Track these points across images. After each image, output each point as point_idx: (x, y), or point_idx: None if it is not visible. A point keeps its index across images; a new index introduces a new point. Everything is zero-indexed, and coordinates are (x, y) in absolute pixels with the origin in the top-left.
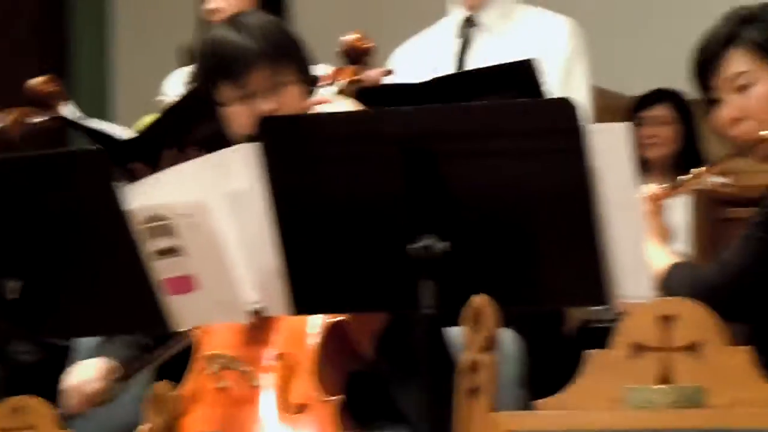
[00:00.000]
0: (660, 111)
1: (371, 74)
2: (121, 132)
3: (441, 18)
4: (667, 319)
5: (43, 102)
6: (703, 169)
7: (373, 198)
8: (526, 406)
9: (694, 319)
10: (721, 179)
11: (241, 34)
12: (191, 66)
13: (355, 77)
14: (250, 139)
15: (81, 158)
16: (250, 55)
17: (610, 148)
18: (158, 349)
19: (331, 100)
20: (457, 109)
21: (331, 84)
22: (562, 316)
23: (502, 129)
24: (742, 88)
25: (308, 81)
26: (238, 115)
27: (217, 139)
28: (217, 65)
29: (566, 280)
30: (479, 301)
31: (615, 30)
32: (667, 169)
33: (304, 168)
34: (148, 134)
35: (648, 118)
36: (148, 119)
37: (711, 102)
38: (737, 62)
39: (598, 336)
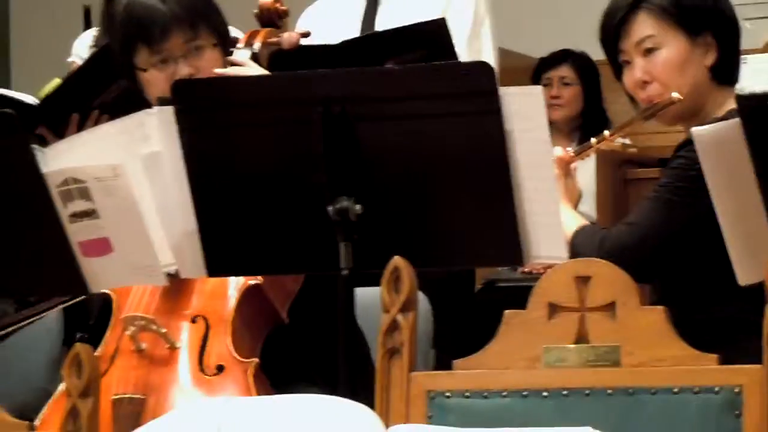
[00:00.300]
0: (564, 72)
1: (290, 37)
2: (27, 98)
3: None
4: (582, 280)
5: None
6: (607, 133)
7: (290, 161)
8: (438, 366)
9: (610, 279)
10: (622, 140)
11: None
12: (97, 27)
13: (272, 39)
14: (165, 102)
15: None
16: (167, 20)
17: (525, 111)
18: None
19: (245, 63)
20: (375, 72)
21: (246, 47)
22: (468, 275)
23: (419, 92)
24: (649, 52)
25: (225, 45)
26: (156, 79)
27: (121, 103)
28: (134, 30)
29: (481, 241)
30: (398, 262)
31: None
32: (571, 130)
33: (219, 131)
34: (54, 99)
35: (552, 79)
36: (53, 83)
37: (619, 65)
38: (643, 26)
39: (504, 294)
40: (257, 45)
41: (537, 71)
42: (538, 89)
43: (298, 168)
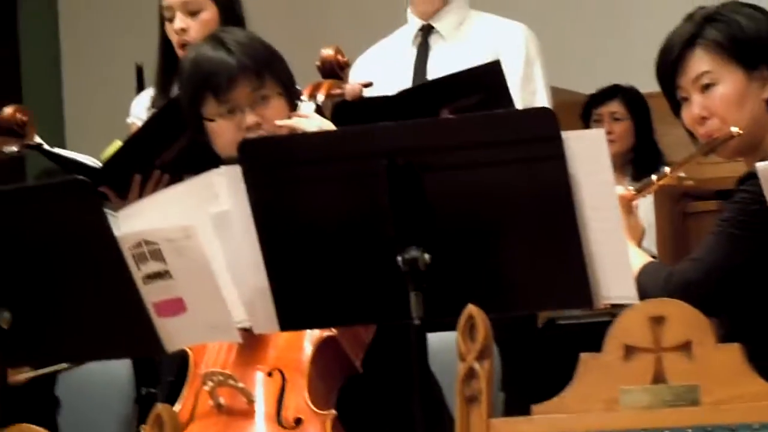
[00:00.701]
0: (614, 107)
1: (353, 89)
2: (89, 160)
3: (399, 27)
4: (656, 320)
5: (14, 131)
6: (668, 170)
7: (358, 213)
8: (508, 409)
9: (684, 318)
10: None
11: (223, 49)
12: (154, 87)
13: (335, 91)
14: (232, 161)
15: (70, 188)
16: (234, 70)
17: (588, 154)
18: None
19: (310, 115)
20: (438, 123)
21: (310, 99)
22: (530, 314)
23: (482, 140)
24: (706, 88)
25: (291, 95)
26: (223, 129)
27: (181, 163)
28: (202, 80)
29: (550, 284)
30: (472, 310)
31: (566, 29)
32: (623, 165)
33: (287, 187)
34: (117, 161)
35: (602, 115)
36: (114, 145)
37: (677, 100)
38: (700, 62)
39: (566, 332)
40: (321, 97)
41: (587, 107)
42: (600, 132)
43: (366, 220)
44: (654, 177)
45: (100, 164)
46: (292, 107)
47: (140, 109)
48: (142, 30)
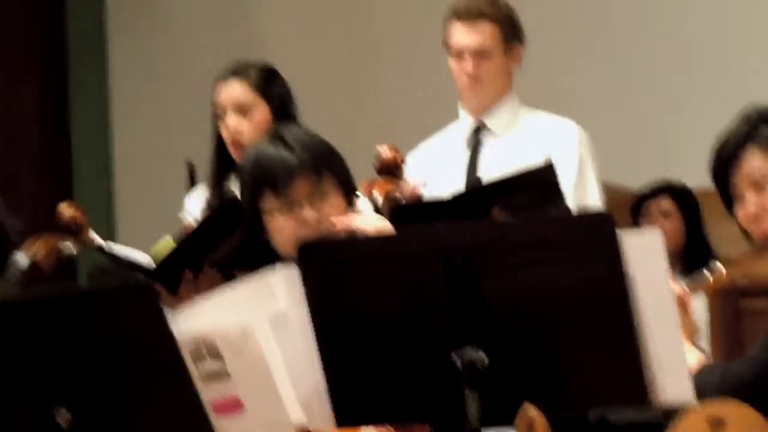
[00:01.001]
0: (664, 204)
1: (411, 190)
2: (143, 257)
3: (451, 122)
4: (717, 422)
5: (71, 230)
6: (722, 269)
7: (414, 312)
8: None
9: (744, 420)
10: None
11: (283, 146)
12: (207, 184)
13: (392, 191)
14: (290, 257)
15: (131, 290)
16: (293, 166)
17: (645, 254)
18: None
19: (366, 213)
20: (495, 224)
21: (366, 197)
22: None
23: (539, 241)
24: (761, 186)
25: (348, 192)
26: (282, 224)
27: (233, 260)
28: (262, 176)
29: (607, 384)
30: (531, 411)
31: (616, 125)
32: (674, 262)
33: (344, 287)
34: (170, 260)
35: (652, 212)
36: (166, 243)
37: (730, 197)
38: (754, 160)
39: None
40: (377, 195)
41: (637, 204)
42: (656, 231)
43: (422, 318)
44: (708, 274)
45: (153, 261)
46: (350, 204)
47: (194, 205)
48: (192, 128)
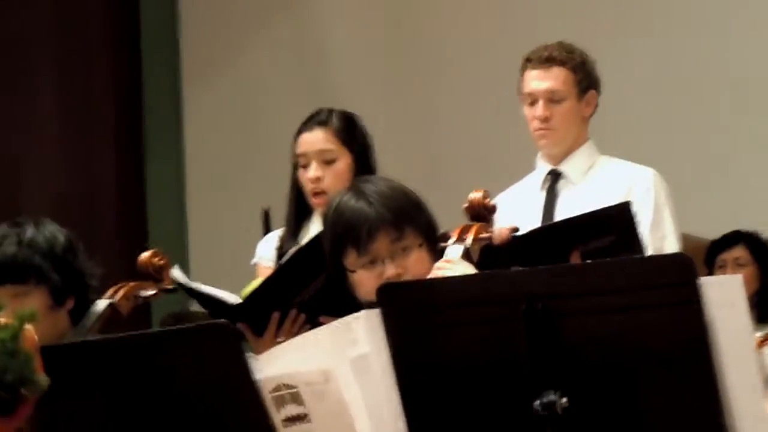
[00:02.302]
0: (737, 253)
1: (501, 233)
2: (227, 296)
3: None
4: None
5: (151, 275)
6: None
7: (495, 357)
8: None
9: None
10: None
11: (364, 201)
12: (280, 229)
13: (483, 235)
14: (372, 305)
15: (213, 331)
16: (374, 222)
17: (725, 300)
18: None
19: (455, 261)
20: (575, 268)
21: (458, 242)
22: None
23: (619, 286)
24: None
25: (433, 243)
26: (365, 279)
27: (319, 302)
28: (343, 233)
29: (686, 429)
30: None
31: (687, 175)
32: (750, 310)
33: (425, 332)
34: (256, 298)
35: (726, 261)
36: (254, 285)
37: None
38: None
39: None
40: (469, 240)
41: (710, 254)
42: (738, 278)
43: (503, 364)
44: None
45: (238, 301)
46: (435, 256)
47: (267, 249)
48: (267, 174)
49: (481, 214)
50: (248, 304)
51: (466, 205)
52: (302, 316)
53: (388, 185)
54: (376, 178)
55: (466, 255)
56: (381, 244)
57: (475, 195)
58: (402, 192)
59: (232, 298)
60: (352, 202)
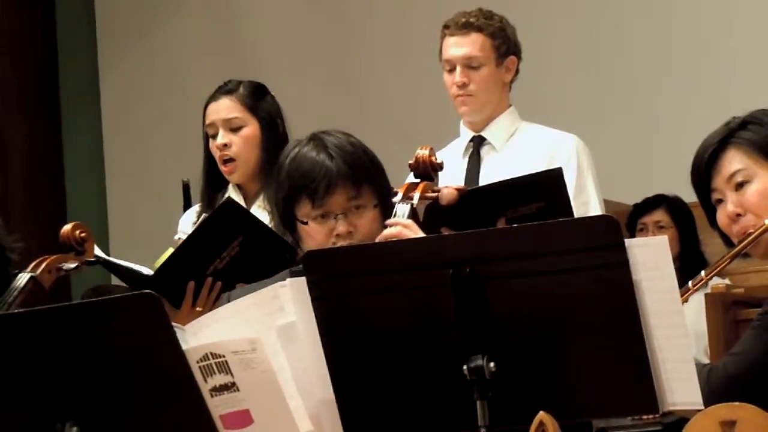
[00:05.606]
0: (658, 216)
1: (449, 193)
2: (144, 269)
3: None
4: (728, 425)
5: (74, 248)
6: (703, 273)
7: (422, 323)
8: None
9: (754, 421)
10: (726, 281)
11: (326, 154)
12: (200, 203)
13: (429, 194)
14: (297, 273)
15: (138, 302)
16: (333, 176)
17: (651, 261)
18: None
19: (403, 223)
20: (501, 232)
21: (405, 200)
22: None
23: (545, 249)
24: (740, 186)
25: (386, 206)
26: (314, 233)
27: (234, 269)
28: (301, 183)
29: (615, 391)
30: (544, 417)
31: (611, 141)
32: None
33: (352, 298)
34: (168, 268)
35: (647, 224)
36: (167, 254)
37: (712, 208)
38: (733, 161)
39: None
40: (416, 198)
41: (632, 217)
42: (663, 239)
43: (430, 329)
44: (690, 283)
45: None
46: (387, 216)
47: (187, 223)
48: (187, 147)
49: (427, 171)
50: (162, 275)
51: (411, 162)
52: (218, 285)
53: (348, 140)
54: (336, 132)
55: (413, 214)
56: (337, 199)
57: (422, 152)
58: (362, 150)
59: (148, 272)
60: (313, 153)
